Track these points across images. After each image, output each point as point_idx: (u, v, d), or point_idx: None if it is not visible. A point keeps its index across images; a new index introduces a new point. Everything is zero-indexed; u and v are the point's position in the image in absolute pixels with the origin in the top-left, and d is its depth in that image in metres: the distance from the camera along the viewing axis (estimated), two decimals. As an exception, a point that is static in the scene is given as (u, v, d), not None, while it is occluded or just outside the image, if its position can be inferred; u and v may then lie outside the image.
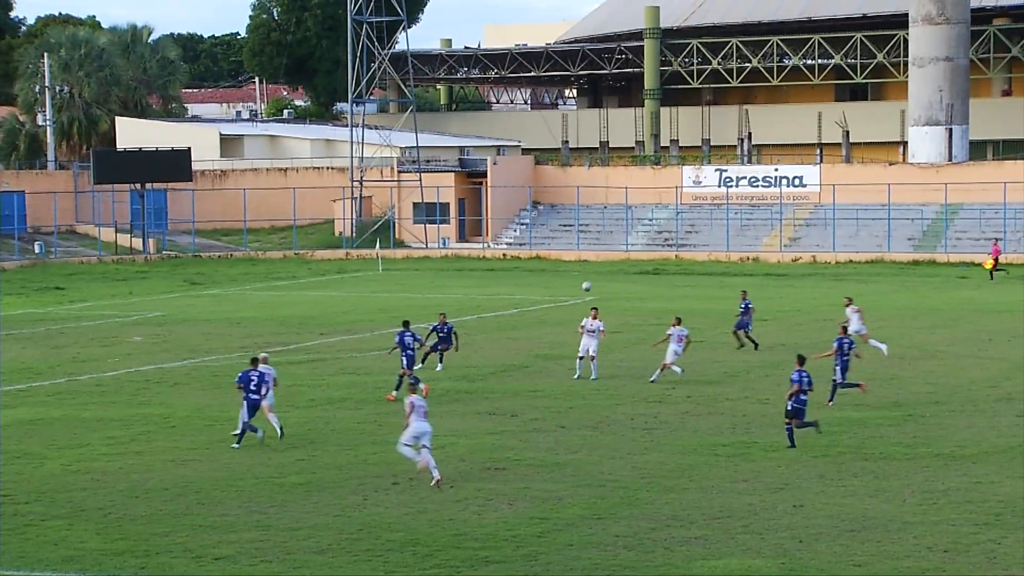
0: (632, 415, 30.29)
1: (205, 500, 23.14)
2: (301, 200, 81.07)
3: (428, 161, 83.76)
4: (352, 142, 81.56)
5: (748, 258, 72.59)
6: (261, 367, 27.72)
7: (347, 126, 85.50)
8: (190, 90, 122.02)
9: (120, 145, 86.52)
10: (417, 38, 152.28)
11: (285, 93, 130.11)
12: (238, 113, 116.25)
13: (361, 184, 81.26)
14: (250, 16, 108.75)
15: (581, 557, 19.80)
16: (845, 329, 32.58)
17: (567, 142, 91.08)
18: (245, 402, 27.35)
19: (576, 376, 34.81)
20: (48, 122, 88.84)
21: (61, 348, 42.02)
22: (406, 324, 33.48)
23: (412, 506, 22.63)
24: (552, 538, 20.74)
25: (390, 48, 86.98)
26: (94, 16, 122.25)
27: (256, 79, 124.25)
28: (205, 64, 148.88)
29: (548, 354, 39.11)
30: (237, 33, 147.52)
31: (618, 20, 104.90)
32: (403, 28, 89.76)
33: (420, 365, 36.31)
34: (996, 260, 63.09)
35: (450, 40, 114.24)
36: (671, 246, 76.09)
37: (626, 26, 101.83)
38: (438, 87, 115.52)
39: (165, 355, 40.08)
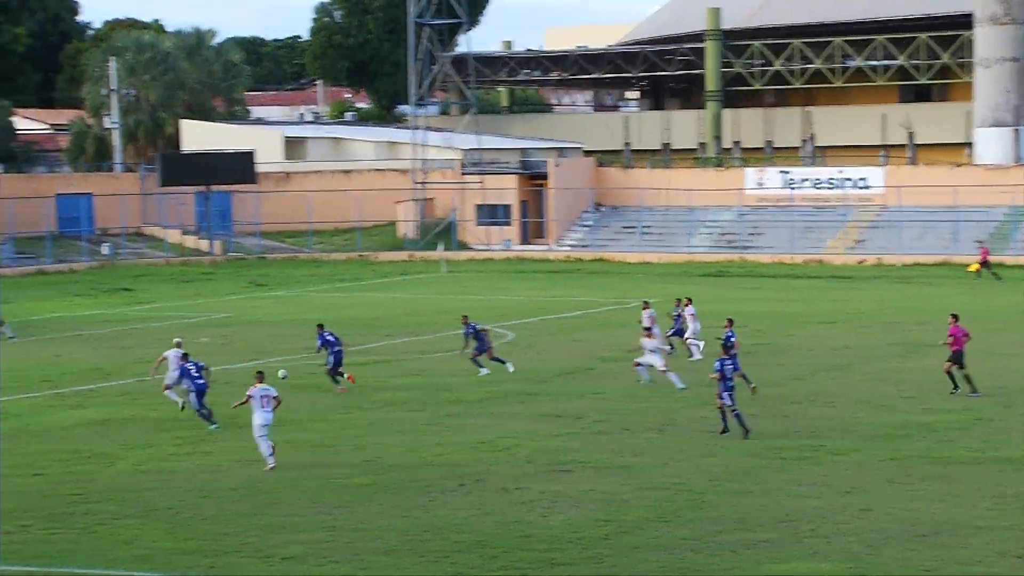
0: (696, 418, 30.17)
1: (272, 500, 23.29)
2: (364, 202, 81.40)
3: (490, 163, 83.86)
4: (414, 144, 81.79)
5: (813, 260, 72.14)
6: (177, 351, 30.82)
7: (409, 128, 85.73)
8: (253, 93, 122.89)
9: (185, 148, 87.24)
10: (478, 40, 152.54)
11: (347, 96, 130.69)
12: (301, 116, 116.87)
13: (424, 186, 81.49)
14: (313, 19, 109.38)
15: (647, 560, 19.76)
16: (731, 322, 34.76)
17: (629, 144, 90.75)
18: (192, 389, 29.71)
19: (646, 381, 34.18)
20: (115, 125, 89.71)
21: (129, 349, 42.40)
22: (320, 326, 35.08)
23: (478, 508, 22.67)
24: (618, 540, 20.71)
25: (451, 50, 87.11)
26: (159, 20, 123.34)
27: (318, 82, 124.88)
28: (268, 67, 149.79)
29: (612, 356, 39.00)
30: (299, 36, 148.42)
31: (679, 22, 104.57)
32: (464, 30, 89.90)
33: (487, 370, 36.11)
34: (985, 262, 62.68)
35: (511, 42, 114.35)
36: (735, 248, 75.76)
37: (687, 28, 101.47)
38: (499, 89, 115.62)
39: (231, 356, 40.33)
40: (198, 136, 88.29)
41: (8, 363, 39.57)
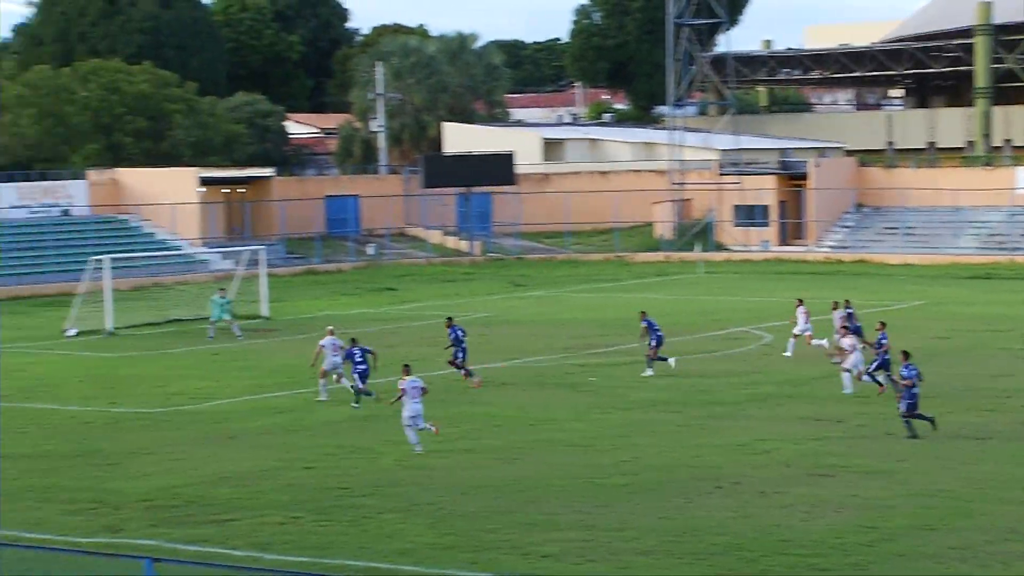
0: (963, 424, 29.23)
1: (530, 499, 23.49)
2: (621, 203, 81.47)
3: (748, 163, 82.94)
4: (672, 145, 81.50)
5: (1087, 262, 69.10)
6: (333, 339, 33.74)
7: (667, 129, 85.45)
8: (513, 95, 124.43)
9: (447, 150, 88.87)
10: (738, 40, 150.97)
11: (605, 97, 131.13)
12: (560, 117, 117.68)
13: (681, 187, 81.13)
14: (572, 22, 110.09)
15: (912, 568, 19.24)
16: (884, 324, 33.90)
17: (892, 143, 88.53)
18: (355, 373, 32.36)
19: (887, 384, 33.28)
20: (381, 128, 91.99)
21: (393, 347, 43.27)
22: (449, 319, 37.18)
23: (736, 510, 22.43)
24: (882, 547, 20.21)
25: (710, 50, 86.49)
26: (423, 25, 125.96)
27: (577, 83, 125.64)
28: (528, 70, 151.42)
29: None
30: (559, 39, 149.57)
31: (947, 17, 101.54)
32: (724, 30, 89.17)
33: (658, 365, 36.37)
34: None
35: (771, 41, 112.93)
36: (1004, 249, 73.10)
37: (955, 23, 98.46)
38: (758, 89, 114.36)
39: (490, 355, 40.85)
40: (459, 138, 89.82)
41: (281, 360, 40.99)
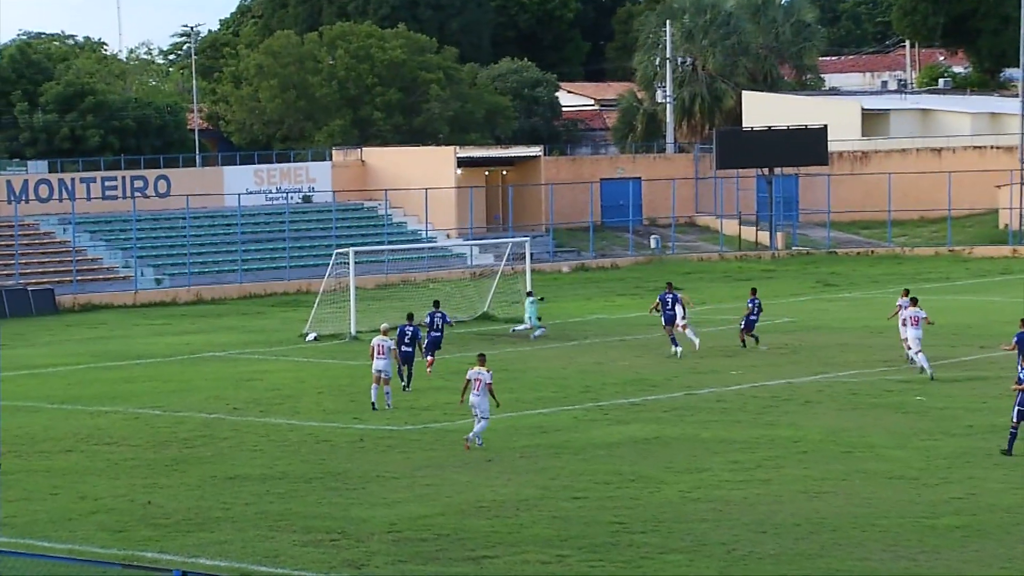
0: None
1: (842, 540, 23.21)
2: (958, 186, 79.69)
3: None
4: None
5: None
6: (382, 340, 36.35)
7: (1017, 97, 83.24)
8: (828, 58, 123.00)
9: (746, 123, 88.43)
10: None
11: (941, 58, 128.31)
12: (884, 84, 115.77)
13: (1033, 167, 78.99)
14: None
15: None
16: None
17: None
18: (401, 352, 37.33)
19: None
20: (668, 99, 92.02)
21: (680, 359, 43.34)
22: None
23: (1096, 563, 21.71)
24: None
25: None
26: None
27: (906, 43, 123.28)
28: (847, 27, 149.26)
29: None
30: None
31: None
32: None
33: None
34: None
35: None
36: None
37: None
38: None
39: (794, 368, 40.51)
40: (761, 110, 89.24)
41: (545, 371, 41.46)
